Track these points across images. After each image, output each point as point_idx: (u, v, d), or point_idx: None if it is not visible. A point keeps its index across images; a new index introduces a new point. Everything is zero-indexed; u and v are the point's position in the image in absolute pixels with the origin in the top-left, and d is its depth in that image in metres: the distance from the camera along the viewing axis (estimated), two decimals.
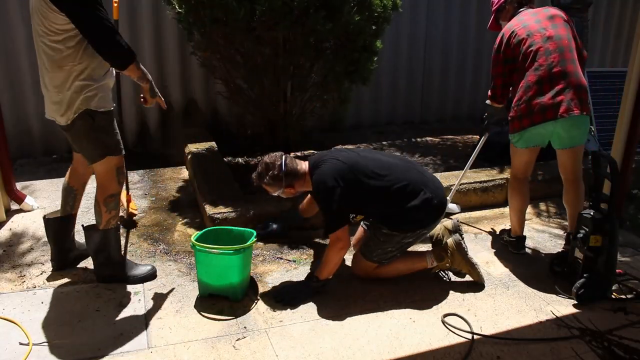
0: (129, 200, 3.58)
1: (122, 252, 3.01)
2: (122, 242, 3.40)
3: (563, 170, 3.16)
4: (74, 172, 2.97)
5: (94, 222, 2.85)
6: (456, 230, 3.03)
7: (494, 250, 3.35)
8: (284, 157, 2.88)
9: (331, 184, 2.72)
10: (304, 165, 2.89)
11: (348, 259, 3.13)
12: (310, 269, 3.06)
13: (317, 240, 3.43)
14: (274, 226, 3.41)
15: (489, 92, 3.27)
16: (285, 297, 2.77)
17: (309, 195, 3.26)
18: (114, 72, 2.75)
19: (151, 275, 2.95)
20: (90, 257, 3.11)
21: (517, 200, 3.30)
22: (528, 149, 3.14)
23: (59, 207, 3.03)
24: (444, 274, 3.02)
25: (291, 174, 2.84)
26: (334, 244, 2.76)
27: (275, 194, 2.93)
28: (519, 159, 3.22)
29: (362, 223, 3.24)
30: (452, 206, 3.87)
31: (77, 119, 2.58)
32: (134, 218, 3.62)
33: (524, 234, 3.34)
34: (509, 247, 3.37)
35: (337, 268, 2.84)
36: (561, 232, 3.63)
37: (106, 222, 2.79)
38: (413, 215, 2.81)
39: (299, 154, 4.80)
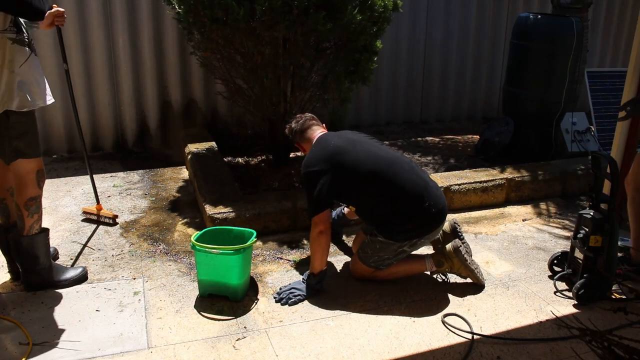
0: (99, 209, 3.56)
1: (52, 257, 2.87)
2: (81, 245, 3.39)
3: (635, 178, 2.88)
4: None
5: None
6: (455, 234, 3.02)
7: (494, 250, 3.35)
8: (308, 115, 3.07)
9: (313, 168, 2.76)
10: (315, 134, 2.98)
11: (346, 259, 3.13)
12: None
13: None
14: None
15: None
16: (284, 296, 2.77)
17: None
18: (38, 63, 2.58)
19: (83, 277, 2.87)
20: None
21: None
22: None
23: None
24: (443, 277, 3.02)
25: (299, 133, 3.01)
26: (312, 228, 2.77)
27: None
28: None
29: (361, 227, 3.21)
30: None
31: None
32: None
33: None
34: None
35: (327, 255, 2.81)
36: (561, 232, 3.63)
37: (29, 227, 2.67)
38: (409, 224, 2.77)
39: (299, 154, 4.80)
